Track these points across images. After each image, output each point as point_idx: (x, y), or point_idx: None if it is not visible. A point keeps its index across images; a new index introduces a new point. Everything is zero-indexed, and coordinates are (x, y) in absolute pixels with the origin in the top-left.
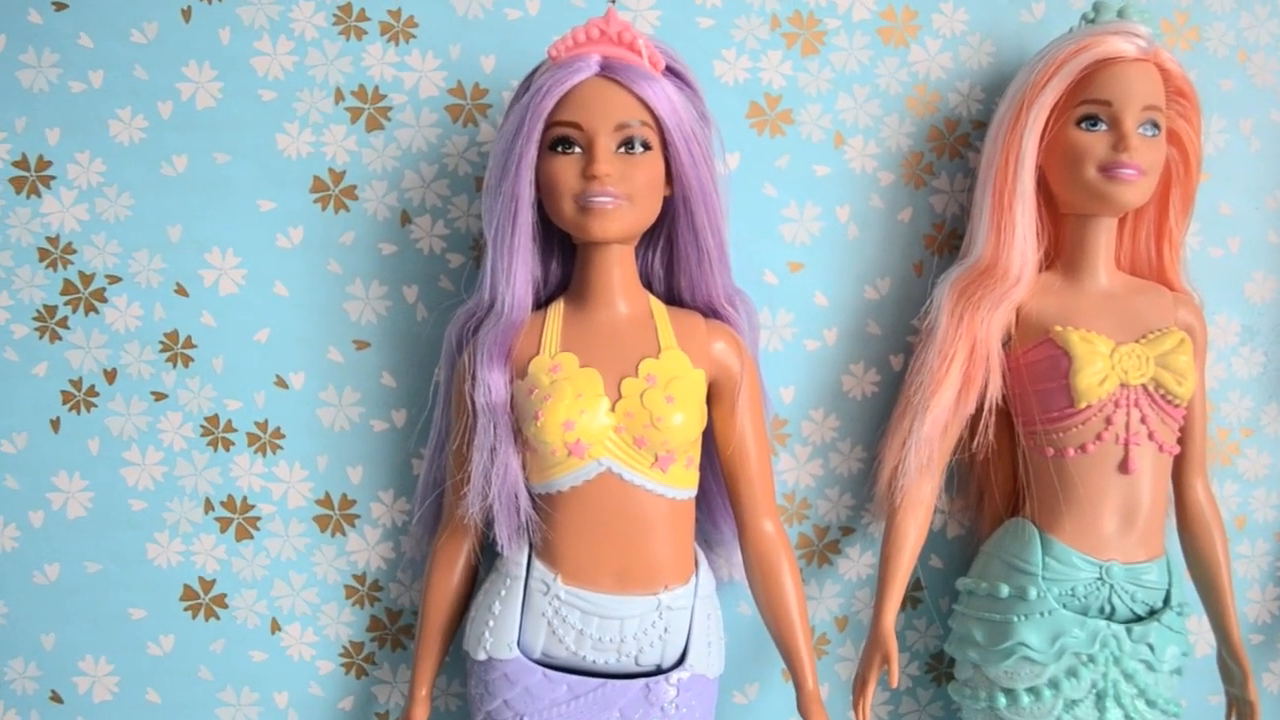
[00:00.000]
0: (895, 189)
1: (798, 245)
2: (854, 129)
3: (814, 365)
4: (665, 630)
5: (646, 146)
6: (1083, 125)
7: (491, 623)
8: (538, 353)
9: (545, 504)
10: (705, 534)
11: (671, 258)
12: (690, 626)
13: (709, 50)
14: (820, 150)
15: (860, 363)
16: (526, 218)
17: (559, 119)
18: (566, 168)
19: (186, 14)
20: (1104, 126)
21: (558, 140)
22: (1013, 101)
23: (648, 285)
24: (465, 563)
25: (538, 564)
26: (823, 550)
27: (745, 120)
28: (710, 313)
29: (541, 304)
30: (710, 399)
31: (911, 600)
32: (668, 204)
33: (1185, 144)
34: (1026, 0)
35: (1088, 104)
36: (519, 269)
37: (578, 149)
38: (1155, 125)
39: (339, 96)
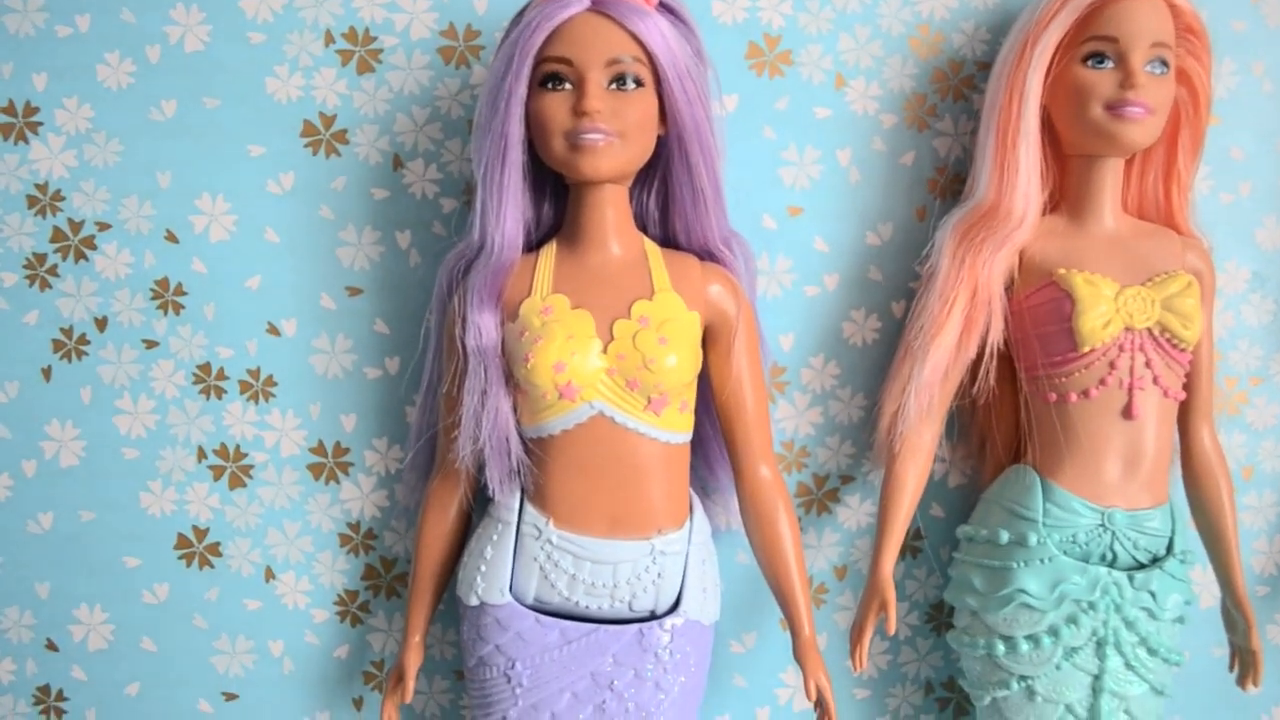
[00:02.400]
0: (897, 132)
1: (797, 189)
2: (855, 70)
3: (813, 311)
4: (659, 575)
5: (639, 83)
6: (1089, 63)
7: (484, 568)
8: (529, 295)
9: (537, 448)
10: (702, 481)
11: (666, 199)
12: (685, 572)
13: None
14: (821, 92)
15: (861, 309)
16: (516, 156)
17: (549, 54)
18: (557, 104)
19: None
20: (1110, 64)
21: (548, 76)
22: (1017, 39)
23: (642, 228)
24: (458, 508)
25: (530, 508)
26: (822, 499)
27: (744, 61)
28: (706, 256)
29: (534, 246)
30: (706, 343)
31: (911, 550)
32: (662, 144)
33: (1195, 83)
34: None
35: (1094, 40)
36: (509, 209)
37: (568, 85)
38: (1164, 63)
39: (329, 39)
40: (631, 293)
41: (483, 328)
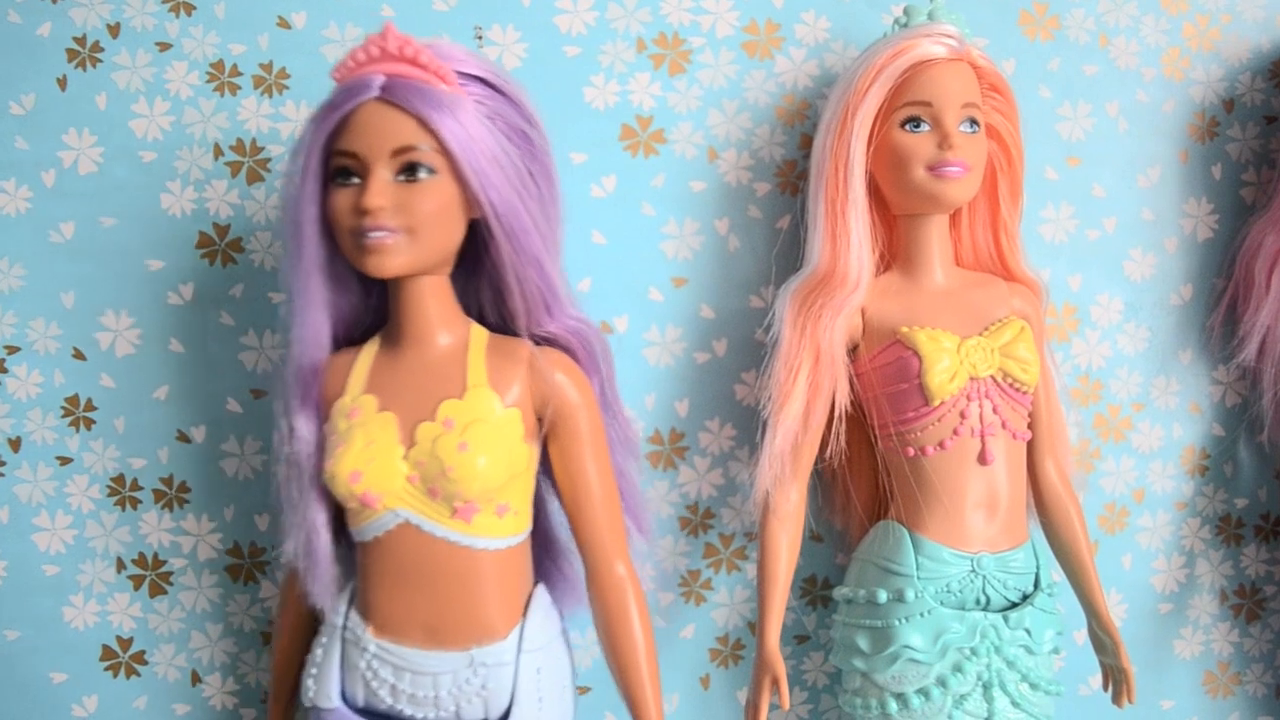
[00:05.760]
0: (771, 198)
1: (680, 261)
2: (726, 143)
3: (706, 377)
4: (483, 686)
5: (432, 171)
6: (906, 127)
7: (315, 671)
8: (342, 394)
9: (359, 553)
10: (548, 576)
11: (498, 285)
12: (515, 682)
13: (578, 77)
14: (695, 167)
15: (751, 371)
16: (314, 253)
17: (337, 148)
18: (344, 201)
19: (62, 83)
20: (927, 127)
21: (337, 171)
22: (837, 109)
23: (479, 316)
24: (308, 604)
25: (353, 614)
26: (730, 558)
27: (619, 143)
28: (544, 341)
29: (358, 340)
30: (546, 435)
31: (822, 599)
32: (484, 228)
33: (1004, 137)
34: (885, 3)
35: (909, 106)
36: (311, 308)
37: (356, 180)
38: (974, 122)
39: (218, 152)
40: (441, 391)
41: (297, 431)
